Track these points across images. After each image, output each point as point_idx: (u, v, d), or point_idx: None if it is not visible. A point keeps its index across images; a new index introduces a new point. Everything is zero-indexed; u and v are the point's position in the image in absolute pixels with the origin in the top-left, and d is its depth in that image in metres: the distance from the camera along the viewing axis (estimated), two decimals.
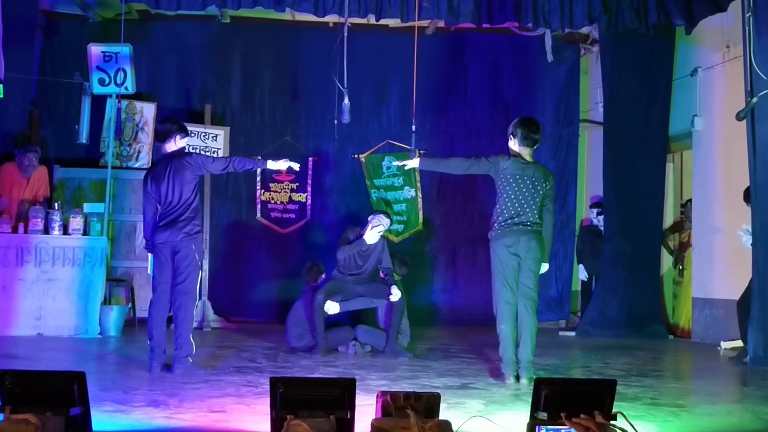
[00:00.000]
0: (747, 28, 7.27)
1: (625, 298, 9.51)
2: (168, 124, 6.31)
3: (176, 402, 4.77)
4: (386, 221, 7.68)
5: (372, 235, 7.55)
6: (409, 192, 10.49)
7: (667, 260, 10.10)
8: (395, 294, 7.40)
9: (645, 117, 9.63)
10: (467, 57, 10.78)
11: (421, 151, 6.69)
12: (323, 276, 7.90)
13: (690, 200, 9.70)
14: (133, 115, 9.81)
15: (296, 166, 6.54)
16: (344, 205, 10.51)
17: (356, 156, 10.43)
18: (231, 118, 10.32)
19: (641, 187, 9.60)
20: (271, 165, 6.37)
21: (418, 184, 10.48)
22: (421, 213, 10.47)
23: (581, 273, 10.26)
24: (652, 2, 8.19)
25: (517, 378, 5.84)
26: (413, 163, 6.42)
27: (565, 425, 3.57)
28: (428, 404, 3.75)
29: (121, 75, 8.76)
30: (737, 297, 8.33)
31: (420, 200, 10.48)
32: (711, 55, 9.00)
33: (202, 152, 9.31)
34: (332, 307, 7.43)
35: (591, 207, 10.54)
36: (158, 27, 10.16)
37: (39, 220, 8.27)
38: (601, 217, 10.21)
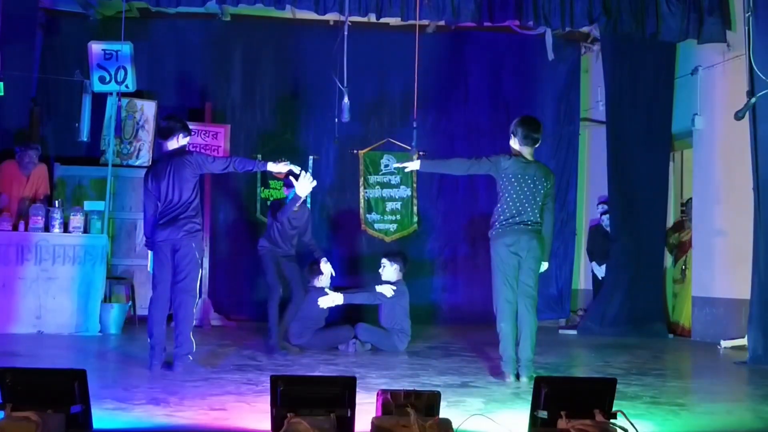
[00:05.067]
0: (747, 28, 7.28)
1: (627, 297, 9.52)
2: (172, 122, 6.31)
3: (177, 400, 4.78)
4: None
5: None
6: (405, 191, 10.51)
7: (669, 259, 10.09)
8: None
9: (647, 116, 9.64)
10: (468, 55, 10.79)
11: (421, 153, 6.67)
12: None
13: (691, 199, 9.70)
14: (134, 113, 9.81)
15: (296, 170, 6.51)
16: (344, 203, 10.52)
17: (355, 151, 10.44)
18: (231, 116, 10.33)
19: (644, 186, 9.61)
20: (271, 167, 6.33)
21: (414, 185, 10.50)
22: (415, 214, 10.49)
23: (597, 271, 10.26)
24: (651, 11, 8.23)
25: (518, 376, 5.84)
26: (414, 165, 6.36)
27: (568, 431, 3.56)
28: (428, 403, 3.76)
29: (121, 73, 8.77)
30: (737, 296, 8.36)
31: (415, 200, 10.50)
32: (712, 54, 9.00)
33: (203, 150, 9.31)
34: (336, 299, 7.47)
35: (598, 205, 10.54)
36: (159, 25, 10.17)
37: (39, 218, 8.28)
38: (605, 216, 10.27)
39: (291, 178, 6.99)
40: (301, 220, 7.52)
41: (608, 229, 10.20)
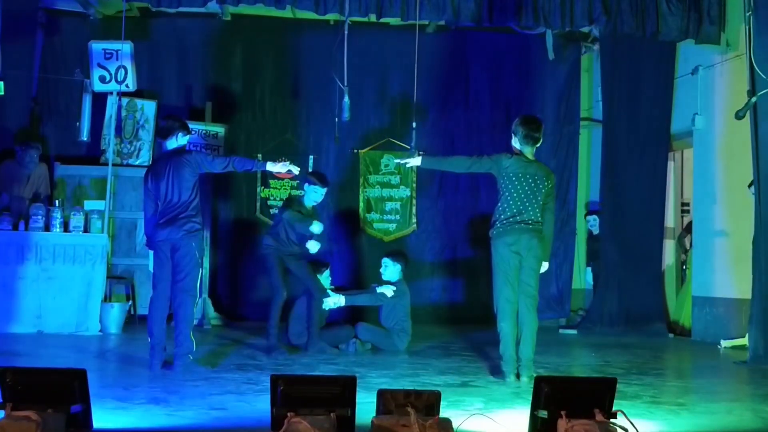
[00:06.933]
0: (747, 27, 7.28)
1: (624, 297, 9.53)
2: (171, 121, 6.31)
3: (177, 399, 4.78)
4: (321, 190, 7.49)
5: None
6: (405, 191, 10.51)
7: (670, 259, 10.11)
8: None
9: (646, 116, 9.66)
10: (468, 55, 10.78)
11: (420, 153, 6.69)
12: (326, 272, 7.90)
13: None
14: (134, 113, 9.81)
15: (296, 170, 6.50)
16: (344, 202, 10.51)
17: (355, 151, 10.44)
18: (232, 115, 10.32)
19: (641, 186, 9.62)
20: (271, 167, 6.34)
21: (414, 185, 10.50)
22: (414, 214, 10.49)
23: (588, 277, 10.29)
24: (651, 11, 8.25)
25: (518, 376, 5.84)
26: (415, 161, 6.42)
27: None
28: (428, 402, 3.76)
29: (121, 72, 8.78)
30: (737, 295, 8.36)
31: (414, 200, 10.49)
32: (712, 54, 9.00)
33: (203, 150, 9.31)
34: (339, 300, 7.47)
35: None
36: (159, 24, 10.16)
37: (40, 217, 8.28)
38: (590, 217, 10.36)
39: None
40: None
41: (593, 229, 10.29)
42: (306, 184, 7.55)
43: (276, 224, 7.46)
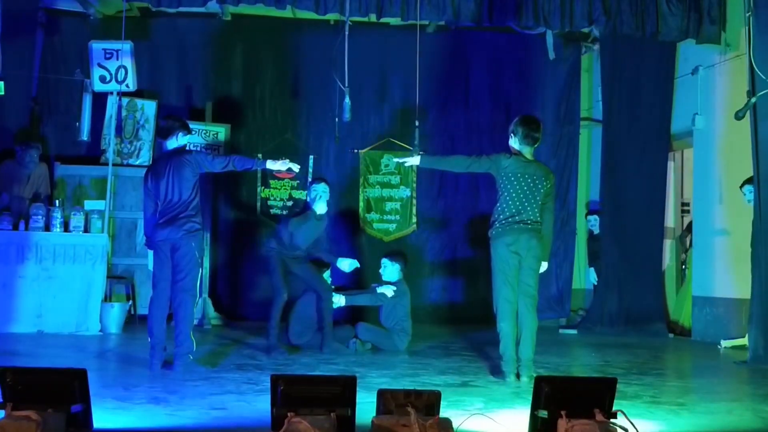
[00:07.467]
0: (747, 27, 7.29)
1: (625, 297, 9.54)
2: (171, 121, 6.31)
3: (177, 399, 4.78)
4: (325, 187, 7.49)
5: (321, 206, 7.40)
6: (405, 191, 10.51)
7: (670, 259, 10.11)
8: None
9: (646, 116, 9.66)
10: (468, 55, 10.79)
11: (421, 152, 6.70)
12: (326, 272, 7.91)
13: None
14: (134, 113, 9.81)
15: (296, 168, 6.50)
16: (344, 203, 10.51)
17: (356, 150, 10.44)
18: (232, 115, 10.31)
19: (641, 186, 9.63)
20: (271, 165, 6.36)
21: (414, 185, 10.49)
22: (414, 214, 10.49)
23: (591, 277, 10.29)
24: (651, 11, 8.26)
25: (518, 376, 5.84)
26: (414, 160, 6.42)
27: None
28: (429, 402, 3.76)
29: (122, 72, 8.79)
30: (737, 296, 8.36)
31: (414, 200, 10.49)
32: (711, 54, 9.00)
33: (203, 150, 9.32)
34: (339, 300, 7.48)
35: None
36: (159, 24, 10.17)
37: (40, 217, 8.28)
38: (591, 217, 10.36)
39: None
40: (318, 230, 7.51)
41: (593, 229, 10.30)
42: (308, 190, 7.57)
43: (281, 229, 7.46)
